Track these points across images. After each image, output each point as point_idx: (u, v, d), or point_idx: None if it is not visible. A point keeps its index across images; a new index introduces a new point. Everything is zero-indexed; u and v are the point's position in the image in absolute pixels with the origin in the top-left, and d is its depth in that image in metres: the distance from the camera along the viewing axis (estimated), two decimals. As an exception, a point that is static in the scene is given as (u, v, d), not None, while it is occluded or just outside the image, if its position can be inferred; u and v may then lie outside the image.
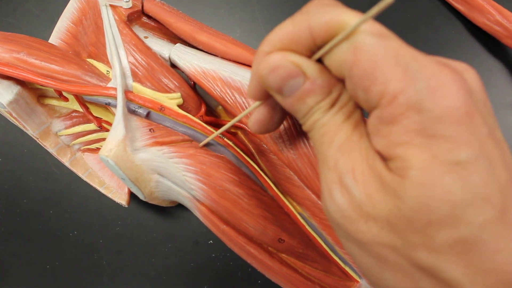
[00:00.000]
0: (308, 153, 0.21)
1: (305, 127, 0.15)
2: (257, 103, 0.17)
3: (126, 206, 0.29)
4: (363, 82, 0.13)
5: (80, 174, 0.30)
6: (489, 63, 0.32)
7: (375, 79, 0.12)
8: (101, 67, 0.24)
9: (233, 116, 0.24)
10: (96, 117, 0.28)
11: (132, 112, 0.22)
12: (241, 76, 0.23)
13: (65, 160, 0.29)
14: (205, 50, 0.24)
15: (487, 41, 0.32)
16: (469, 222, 0.12)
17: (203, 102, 0.24)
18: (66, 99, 0.27)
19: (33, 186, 0.34)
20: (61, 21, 0.26)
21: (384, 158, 0.13)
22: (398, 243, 0.13)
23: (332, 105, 0.15)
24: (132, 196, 0.30)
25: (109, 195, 0.30)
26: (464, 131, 0.12)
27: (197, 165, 0.21)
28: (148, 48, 0.23)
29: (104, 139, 0.29)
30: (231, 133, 0.24)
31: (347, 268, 0.23)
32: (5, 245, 0.35)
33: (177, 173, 0.22)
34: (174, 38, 0.25)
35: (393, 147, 0.13)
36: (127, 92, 0.22)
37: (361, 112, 0.15)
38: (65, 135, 0.29)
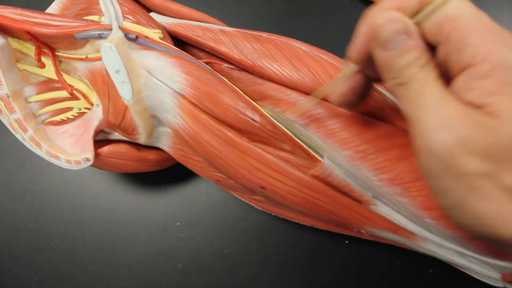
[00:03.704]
0: (260, 48, 0.28)
1: (398, 81, 0.18)
2: (352, 67, 0.21)
3: (92, 162, 0.30)
4: (459, 45, 0.16)
5: (42, 143, 0.31)
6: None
7: (470, 43, 0.16)
8: (94, 17, 0.30)
9: (205, 47, 0.31)
10: (69, 84, 0.31)
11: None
12: (207, 25, 0.31)
13: (30, 127, 0.30)
14: (175, 17, 0.32)
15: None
16: None
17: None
18: (43, 65, 0.31)
19: (11, 206, 0.36)
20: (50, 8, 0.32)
21: (476, 107, 0.17)
22: (493, 170, 0.16)
23: (426, 63, 0.18)
24: (100, 199, 0.35)
25: (71, 159, 0.30)
26: None
27: (182, 62, 0.27)
28: (135, 2, 0.30)
29: (71, 108, 0.32)
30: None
31: (310, 150, 0.27)
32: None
33: (164, 68, 0.26)
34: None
35: (485, 96, 0.16)
36: (119, 26, 0.28)
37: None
38: (35, 101, 0.31)
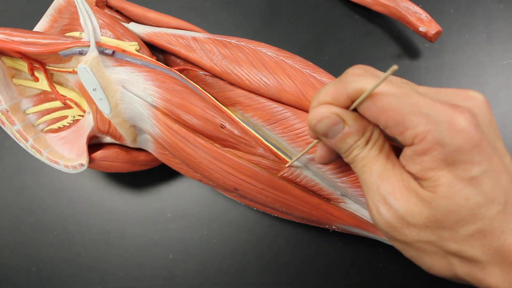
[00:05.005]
0: (228, 54, 0.29)
1: (347, 160, 0.21)
2: (315, 141, 0.24)
3: (86, 167, 0.33)
4: (398, 130, 0.18)
5: (42, 150, 0.34)
6: (368, 28, 0.41)
7: (407, 127, 0.17)
8: (75, 34, 0.32)
9: (178, 55, 0.32)
10: (62, 95, 0.34)
11: (101, 52, 0.29)
12: (182, 32, 0.32)
13: (30, 136, 0.33)
14: (154, 25, 0.33)
15: (364, 12, 0.40)
16: (483, 217, 0.17)
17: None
18: (37, 79, 0.34)
19: (11, 201, 0.39)
20: (39, 23, 0.35)
21: (417, 179, 0.18)
22: (433, 239, 0.18)
23: (367, 142, 0.19)
24: (94, 195, 0.38)
25: (69, 164, 0.33)
26: (475, 154, 0.17)
27: (153, 75, 0.28)
28: (113, 16, 0.32)
29: (66, 117, 0.35)
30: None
31: (279, 152, 0.29)
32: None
33: (137, 83, 0.28)
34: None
35: (426, 171, 0.17)
36: (97, 42, 0.30)
37: (389, 145, 0.20)
38: (32, 113, 0.34)
